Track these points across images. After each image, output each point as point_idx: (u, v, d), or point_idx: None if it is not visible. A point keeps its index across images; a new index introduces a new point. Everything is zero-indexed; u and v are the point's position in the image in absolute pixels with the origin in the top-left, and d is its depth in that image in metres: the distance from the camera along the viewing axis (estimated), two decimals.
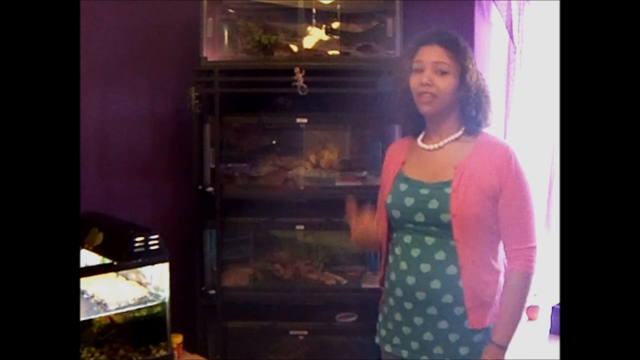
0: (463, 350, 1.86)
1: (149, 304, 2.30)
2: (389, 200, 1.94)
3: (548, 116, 2.80)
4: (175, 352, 2.41)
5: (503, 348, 1.84)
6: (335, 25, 2.73)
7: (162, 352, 2.34)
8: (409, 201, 1.89)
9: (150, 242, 2.22)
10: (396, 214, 1.92)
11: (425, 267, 1.86)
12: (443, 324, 1.86)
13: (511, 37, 2.75)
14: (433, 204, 1.85)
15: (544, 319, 2.76)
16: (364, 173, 2.72)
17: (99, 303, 2.25)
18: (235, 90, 2.74)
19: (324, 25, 2.72)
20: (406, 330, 1.91)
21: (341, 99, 2.65)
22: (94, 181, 2.59)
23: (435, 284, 1.84)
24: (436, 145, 1.93)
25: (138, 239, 2.20)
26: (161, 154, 2.80)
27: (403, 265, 1.89)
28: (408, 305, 1.89)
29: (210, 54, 2.64)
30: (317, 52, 2.70)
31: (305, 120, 2.66)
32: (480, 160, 1.87)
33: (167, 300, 2.30)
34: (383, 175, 2.03)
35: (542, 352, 2.55)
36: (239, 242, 2.83)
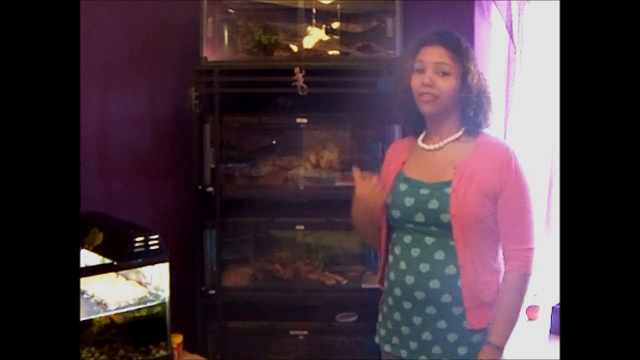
0: (462, 350, 1.86)
1: (149, 304, 2.30)
2: (389, 200, 1.94)
3: (548, 116, 2.80)
4: (175, 352, 2.41)
5: (499, 348, 1.84)
6: (335, 25, 2.73)
7: (162, 352, 2.34)
8: (409, 201, 1.89)
9: (150, 242, 2.22)
10: (396, 213, 1.92)
11: (424, 267, 1.86)
12: (442, 324, 1.86)
13: (511, 37, 2.75)
14: (433, 204, 1.85)
15: (544, 319, 2.76)
16: (364, 173, 2.72)
17: (99, 303, 2.25)
18: (235, 90, 2.74)
19: (324, 25, 2.72)
20: (405, 330, 1.91)
21: (341, 99, 2.65)
22: (94, 181, 2.59)
23: (435, 284, 1.84)
24: (436, 146, 1.93)
25: (138, 239, 2.20)
26: (161, 154, 2.80)
27: (402, 265, 1.90)
28: (407, 305, 1.89)
29: (210, 54, 2.64)
30: (317, 52, 2.70)
31: (305, 120, 2.66)
32: (481, 160, 1.87)
33: (167, 300, 2.30)
34: (383, 175, 2.03)
35: (542, 352, 2.55)
36: (239, 242, 2.83)
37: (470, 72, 1.87)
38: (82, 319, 2.15)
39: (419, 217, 1.87)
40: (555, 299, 2.76)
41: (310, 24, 2.69)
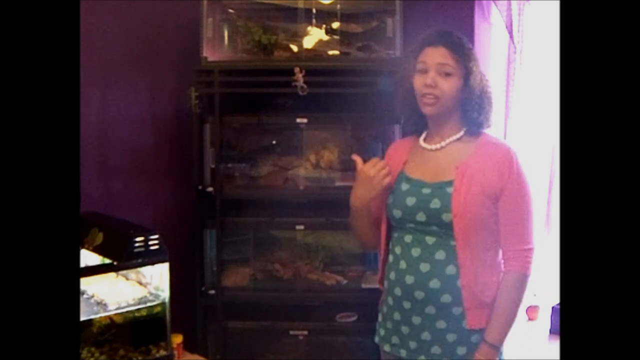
0: (461, 350, 1.86)
1: (149, 304, 2.30)
2: (390, 199, 1.94)
3: (548, 116, 2.80)
4: (175, 352, 2.40)
5: (496, 348, 1.85)
6: (335, 25, 2.73)
7: (162, 352, 2.34)
8: (410, 201, 1.89)
9: (150, 242, 2.22)
10: (397, 213, 1.92)
11: (424, 267, 1.86)
12: (441, 324, 1.86)
13: (511, 37, 2.75)
14: (435, 204, 1.85)
15: (544, 319, 2.76)
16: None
17: (99, 303, 2.25)
18: (235, 90, 2.74)
19: (324, 25, 2.72)
20: (405, 329, 1.91)
21: (341, 99, 2.65)
22: (94, 181, 2.59)
23: (434, 284, 1.84)
24: (438, 146, 1.93)
25: (138, 239, 2.20)
26: (161, 154, 2.80)
27: (403, 265, 1.90)
28: (407, 305, 1.89)
29: (210, 54, 2.64)
30: (317, 52, 2.70)
31: (305, 120, 2.66)
32: (482, 160, 1.87)
33: (167, 300, 2.30)
34: None
35: (542, 352, 2.55)
36: (239, 242, 2.83)
37: (472, 73, 1.87)
38: (82, 319, 2.15)
39: (421, 217, 1.87)
40: (555, 299, 2.76)
41: (310, 24, 2.70)
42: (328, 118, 2.75)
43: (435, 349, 1.87)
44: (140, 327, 2.32)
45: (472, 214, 1.82)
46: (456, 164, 1.88)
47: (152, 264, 2.26)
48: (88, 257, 2.27)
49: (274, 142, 2.85)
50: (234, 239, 2.80)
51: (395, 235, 1.96)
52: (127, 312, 2.27)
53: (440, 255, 1.85)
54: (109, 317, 2.27)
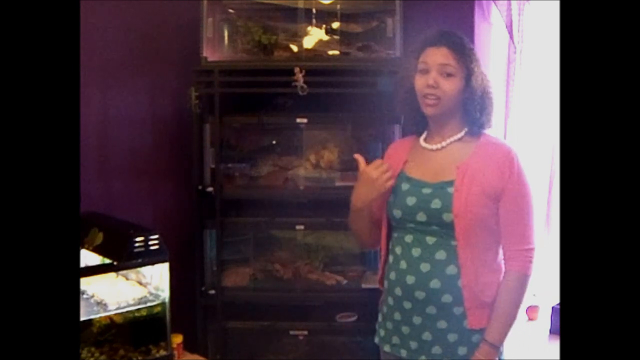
0: (462, 350, 1.86)
1: (149, 304, 2.30)
2: (390, 199, 1.94)
3: (548, 116, 2.80)
4: (175, 352, 2.41)
5: (496, 347, 1.85)
6: (335, 25, 2.73)
7: (162, 352, 2.34)
8: (411, 200, 1.89)
9: (150, 242, 2.22)
10: (397, 213, 1.91)
11: (425, 267, 1.86)
12: (442, 324, 1.86)
13: (511, 37, 2.75)
14: (436, 204, 1.85)
15: (544, 319, 2.76)
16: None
17: (99, 303, 2.25)
18: (235, 90, 2.74)
19: (324, 25, 2.72)
20: (405, 329, 1.91)
21: (341, 99, 2.65)
22: (94, 181, 2.59)
23: (435, 284, 1.84)
24: (439, 145, 1.93)
25: (138, 239, 2.20)
26: (161, 154, 2.80)
27: (403, 265, 1.89)
28: (407, 305, 1.89)
29: (210, 54, 2.64)
30: (317, 52, 2.70)
31: (305, 120, 2.66)
32: (483, 161, 1.87)
33: (167, 300, 2.30)
34: None
35: (542, 352, 2.55)
36: (239, 242, 2.83)
37: (474, 74, 1.87)
38: (82, 319, 2.15)
39: (421, 217, 1.87)
40: (555, 299, 2.76)
41: (310, 24, 2.70)
42: (328, 118, 2.75)
43: (436, 349, 1.87)
44: (140, 327, 2.32)
45: (473, 214, 1.82)
46: (457, 164, 1.88)
47: (152, 264, 2.26)
48: (88, 257, 2.27)
49: (274, 142, 2.85)
50: (234, 239, 2.80)
51: (395, 235, 1.96)
52: (127, 312, 2.28)
53: (440, 255, 1.85)
54: (109, 317, 2.27)
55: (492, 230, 1.86)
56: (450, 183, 1.86)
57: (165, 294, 2.30)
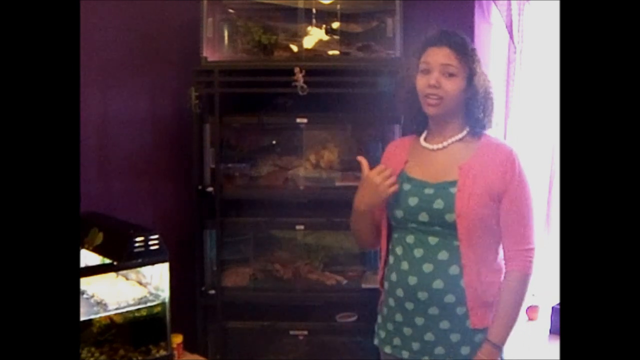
0: (464, 350, 1.86)
1: (149, 304, 2.30)
2: (391, 199, 1.93)
3: (548, 116, 2.80)
4: (175, 352, 2.40)
5: (499, 347, 1.85)
6: (335, 25, 2.73)
7: (162, 352, 2.34)
8: (412, 201, 1.89)
9: (150, 242, 2.22)
10: (399, 213, 1.91)
11: (427, 267, 1.85)
12: (445, 324, 1.86)
13: (511, 37, 2.75)
14: (438, 204, 1.85)
15: (544, 319, 2.76)
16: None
17: (99, 303, 2.24)
18: (235, 90, 2.74)
19: (324, 25, 2.72)
20: (407, 331, 1.91)
21: (341, 99, 2.65)
22: (94, 181, 2.59)
23: (438, 284, 1.84)
24: (440, 145, 1.93)
25: (138, 239, 2.20)
26: (161, 154, 2.80)
27: (404, 266, 1.89)
28: (409, 306, 1.89)
29: (210, 54, 2.64)
30: (317, 52, 2.70)
31: (305, 120, 2.66)
32: (485, 161, 1.87)
33: (167, 300, 2.30)
34: None
35: (542, 352, 2.55)
36: (239, 242, 2.83)
37: (476, 74, 1.87)
38: (82, 319, 2.15)
39: (423, 217, 1.87)
40: (555, 299, 2.76)
41: (310, 24, 2.69)
42: (328, 118, 2.75)
43: (439, 350, 1.87)
44: (140, 327, 2.32)
45: (475, 214, 1.82)
46: (459, 165, 1.88)
47: (152, 264, 2.26)
48: (88, 257, 2.27)
49: (274, 142, 2.85)
50: (234, 239, 2.80)
51: (396, 235, 1.95)
52: (127, 312, 2.28)
53: (443, 255, 1.85)
54: (109, 317, 2.27)
55: (494, 230, 1.87)
56: (453, 183, 1.86)
57: (165, 294, 2.30)
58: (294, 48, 2.68)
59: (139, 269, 2.31)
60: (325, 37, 2.72)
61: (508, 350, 1.93)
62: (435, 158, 1.93)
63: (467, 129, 1.93)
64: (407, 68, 1.96)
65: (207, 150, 2.67)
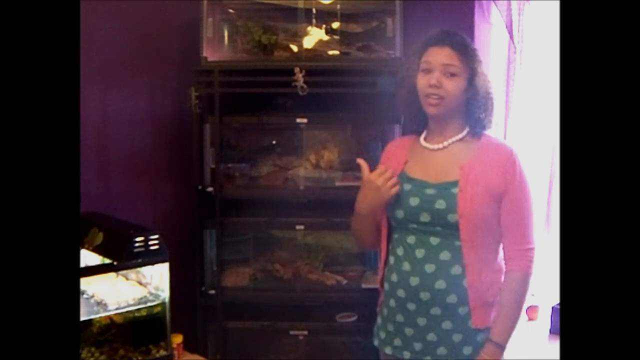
0: (466, 350, 1.87)
1: (149, 304, 2.30)
2: (392, 200, 1.93)
3: (548, 116, 2.80)
4: (175, 352, 2.40)
5: (501, 347, 1.85)
6: (335, 25, 2.73)
7: (162, 352, 2.34)
8: (414, 201, 1.89)
9: (150, 242, 2.22)
10: (400, 214, 1.91)
11: (429, 268, 1.85)
12: (447, 324, 1.86)
13: (511, 37, 2.75)
14: (440, 204, 1.85)
15: (544, 319, 2.76)
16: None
17: (99, 303, 2.25)
18: (235, 90, 2.74)
19: (324, 25, 2.72)
20: (409, 331, 1.91)
21: (341, 99, 2.65)
22: (94, 181, 2.59)
23: (440, 284, 1.84)
24: (440, 145, 1.93)
25: (138, 239, 2.20)
26: (161, 154, 2.80)
27: (406, 266, 1.89)
28: (411, 306, 1.89)
29: (210, 54, 2.64)
30: (317, 52, 2.70)
31: (305, 120, 2.65)
32: (485, 161, 1.87)
33: (167, 300, 2.30)
34: None
35: (542, 352, 2.55)
36: (239, 242, 2.83)
37: (477, 74, 1.87)
38: (82, 319, 2.15)
39: (424, 217, 1.87)
40: (555, 299, 2.76)
41: (310, 24, 2.69)
42: (328, 118, 2.75)
43: (441, 350, 1.87)
44: (140, 327, 2.32)
45: (477, 214, 1.82)
46: (460, 165, 1.88)
47: (152, 264, 2.26)
48: (88, 257, 2.27)
49: (274, 142, 2.85)
50: (234, 239, 2.80)
51: (396, 236, 1.95)
52: (127, 312, 2.28)
53: (445, 255, 1.85)
54: (109, 317, 2.27)
55: (494, 230, 1.87)
56: (454, 183, 1.86)
57: (165, 294, 2.30)
58: (294, 48, 2.68)
59: (139, 269, 2.31)
60: (325, 37, 2.72)
61: (508, 350, 1.93)
62: (435, 158, 1.93)
63: (467, 129, 1.93)
64: (407, 68, 1.96)
65: (207, 150, 2.67)
